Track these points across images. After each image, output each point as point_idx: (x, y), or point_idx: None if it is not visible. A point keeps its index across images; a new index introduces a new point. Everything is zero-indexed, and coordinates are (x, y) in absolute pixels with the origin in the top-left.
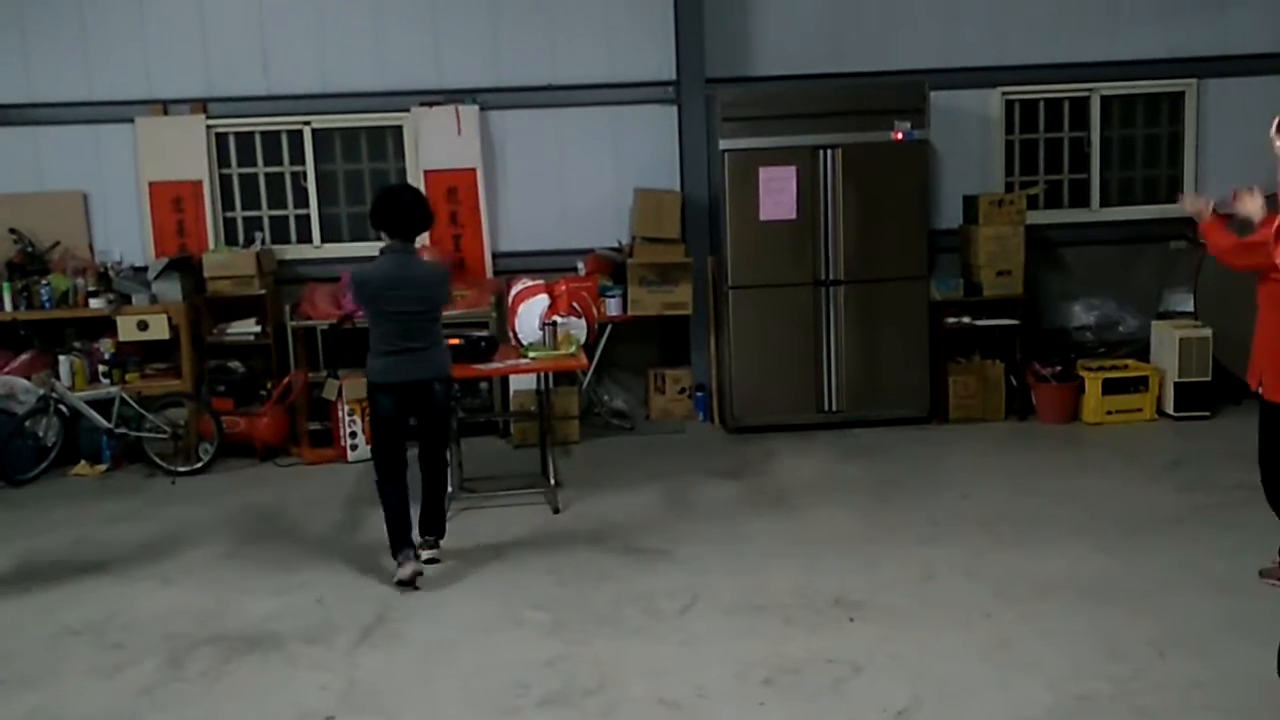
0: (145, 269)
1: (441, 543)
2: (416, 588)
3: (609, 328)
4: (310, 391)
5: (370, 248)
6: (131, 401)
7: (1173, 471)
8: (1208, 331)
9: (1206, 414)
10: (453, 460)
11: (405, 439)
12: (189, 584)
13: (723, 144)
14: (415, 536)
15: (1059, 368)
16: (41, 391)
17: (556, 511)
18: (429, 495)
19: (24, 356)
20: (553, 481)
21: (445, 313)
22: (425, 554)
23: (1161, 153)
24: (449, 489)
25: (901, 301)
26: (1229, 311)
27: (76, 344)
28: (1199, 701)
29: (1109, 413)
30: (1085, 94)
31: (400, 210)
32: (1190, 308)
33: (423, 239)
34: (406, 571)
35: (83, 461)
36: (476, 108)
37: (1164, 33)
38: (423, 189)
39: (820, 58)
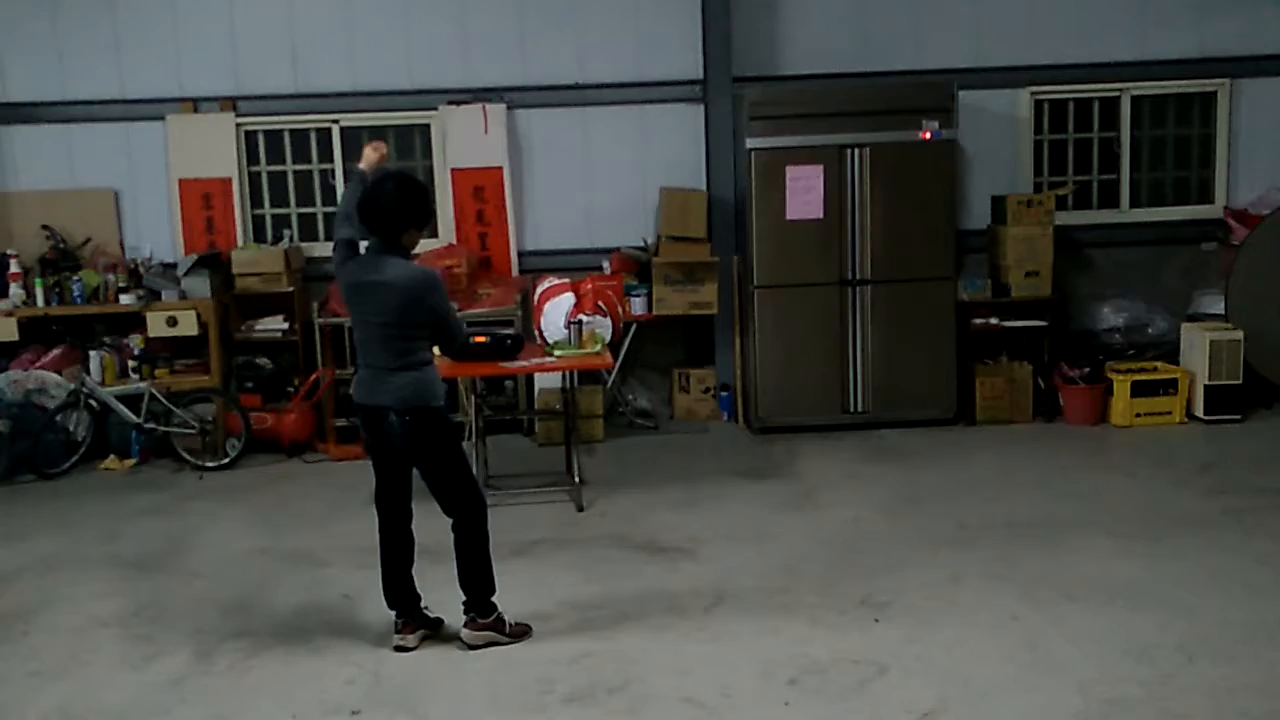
0: (175, 265)
1: (484, 621)
2: (476, 648)
3: (634, 327)
4: (337, 388)
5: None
6: (160, 397)
7: (1202, 475)
8: (1239, 334)
9: (1237, 417)
10: (479, 465)
11: (397, 477)
12: (216, 578)
13: (749, 143)
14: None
15: (1087, 370)
16: (72, 386)
17: (581, 510)
18: (456, 554)
19: (55, 352)
20: (577, 480)
21: (473, 314)
22: (465, 633)
23: (1192, 154)
24: (483, 550)
25: (929, 302)
26: (1260, 314)
27: (106, 339)
28: (1229, 706)
29: (1137, 415)
30: (1115, 94)
31: (363, 202)
32: (1221, 310)
33: (447, 238)
34: (393, 642)
35: (112, 456)
36: (504, 106)
37: (1196, 32)
38: (449, 187)
39: (848, 57)
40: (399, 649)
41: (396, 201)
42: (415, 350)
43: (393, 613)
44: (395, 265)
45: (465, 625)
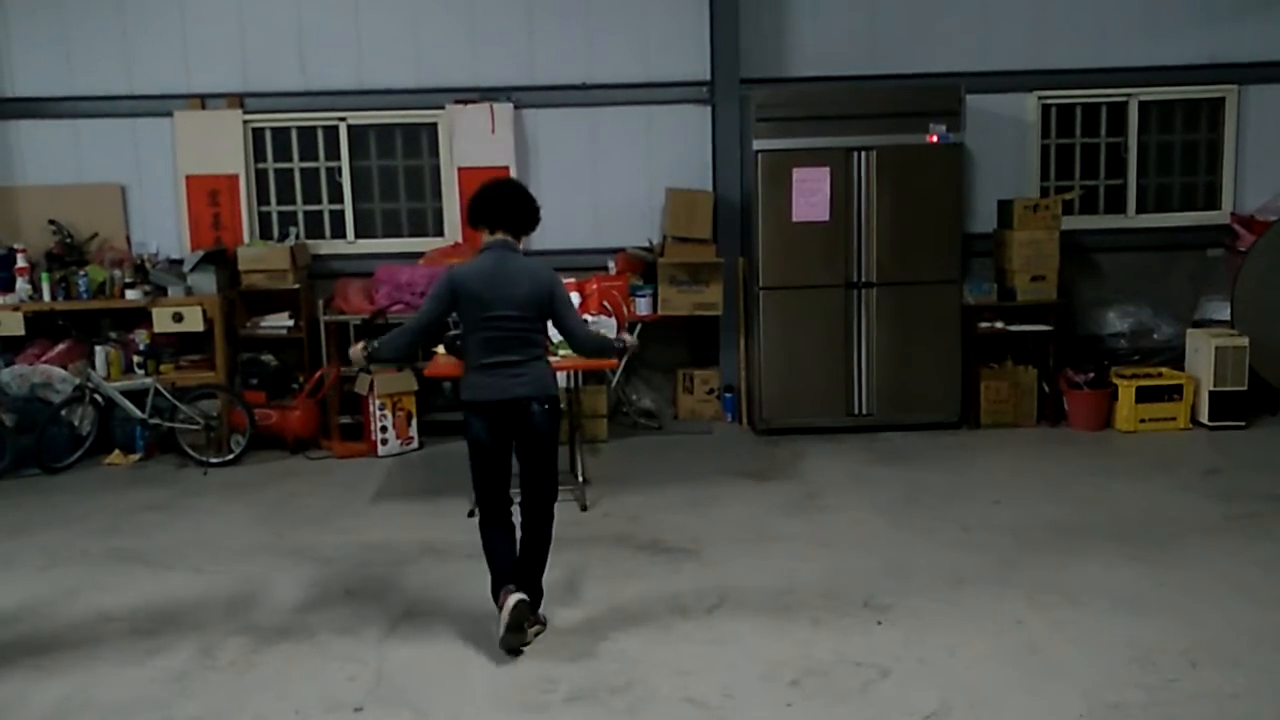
0: (181, 261)
1: (536, 618)
2: (526, 642)
3: (639, 327)
4: (342, 385)
5: (402, 244)
6: (165, 392)
7: (1207, 481)
8: (1244, 340)
9: (1242, 424)
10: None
11: (506, 471)
12: (220, 574)
13: (756, 144)
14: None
15: (1092, 374)
16: (78, 381)
17: (584, 509)
18: (526, 547)
19: (61, 346)
20: (581, 479)
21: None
22: (516, 595)
23: (1200, 159)
24: (551, 543)
25: (934, 305)
26: (1266, 320)
27: (112, 335)
28: (1233, 713)
29: (1142, 421)
30: (1123, 99)
31: (492, 201)
32: (1227, 316)
33: (454, 237)
34: (508, 608)
35: (116, 451)
36: (511, 106)
37: (1205, 38)
38: (456, 186)
39: (855, 59)
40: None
41: (522, 200)
42: (541, 342)
43: (502, 588)
44: (524, 261)
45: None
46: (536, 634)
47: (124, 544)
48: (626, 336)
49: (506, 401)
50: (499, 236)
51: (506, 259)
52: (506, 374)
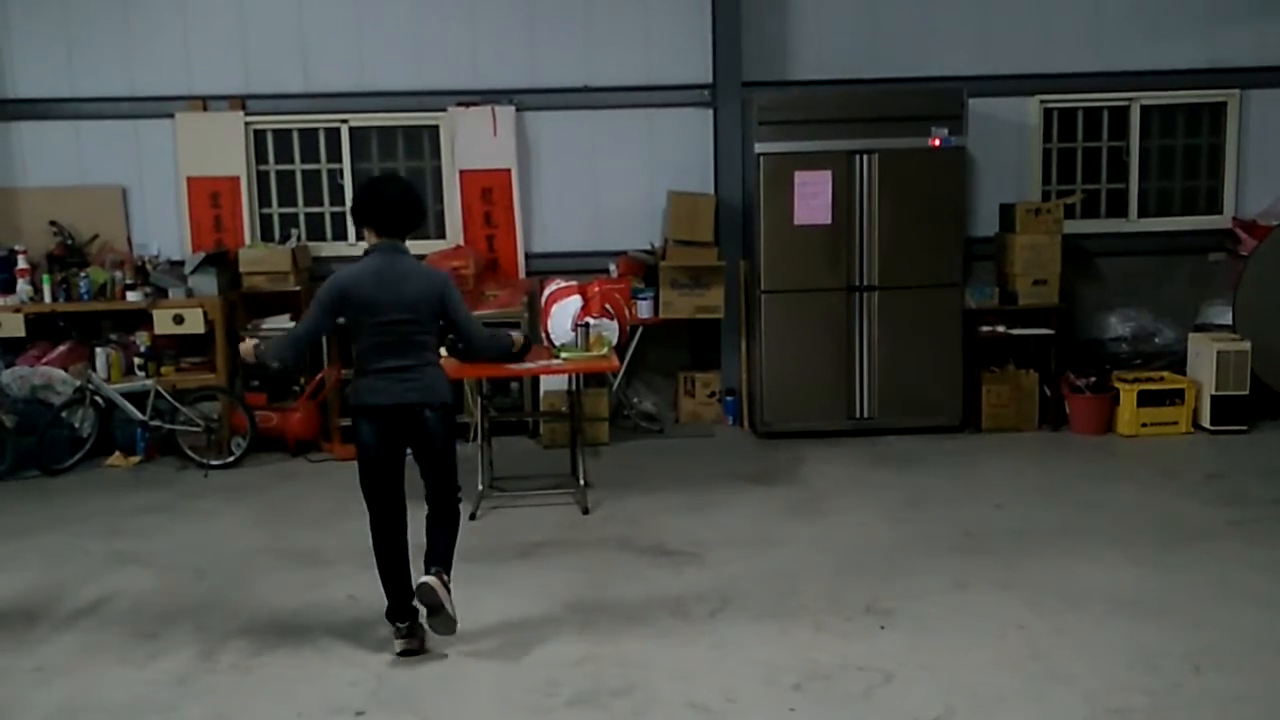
0: (182, 263)
1: (447, 578)
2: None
3: (640, 330)
4: (343, 387)
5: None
6: (166, 394)
7: (1209, 485)
8: (1246, 344)
9: (1243, 428)
10: (484, 466)
11: (397, 479)
12: (221, 576)
13: (758, 147)
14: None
15: (1094, 379)
16: (78, 383)
17: (586, 512)
18: (432, 531)
19: (62, 348)
20: (582, 482)
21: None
22: (433, 580)
23: (1201, 164)
24: (457, 534)
25: (935, 309)
26: (1268, 325)
27: (113, 336)
28: (1236, 717)
29: (1144, 425)
30: (1125, 103)
31: (384, 203)
32: (1228, 320)
33: (455, 239)
34: (398, 647)
35: (117, 453)
36: (513, 108)
37: (1206, 42)
38: (457, 189)
39: (858, 63)
40: (408, 653)
41: (415, 201)
42: (432, 347)
43: (395, 617)
44: (414, 264)
45: (435, 575)
46: (446, 596)
47: (125, 546)
48: (514, 333)
49: (398, 407)
50: (385, 239)
51: (396, 261)
52: (398, 379)
